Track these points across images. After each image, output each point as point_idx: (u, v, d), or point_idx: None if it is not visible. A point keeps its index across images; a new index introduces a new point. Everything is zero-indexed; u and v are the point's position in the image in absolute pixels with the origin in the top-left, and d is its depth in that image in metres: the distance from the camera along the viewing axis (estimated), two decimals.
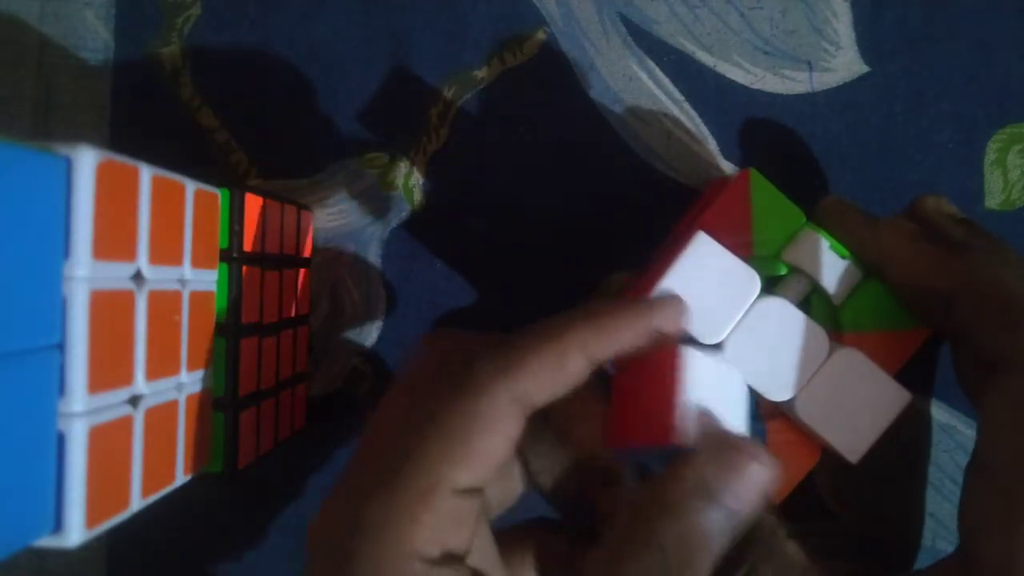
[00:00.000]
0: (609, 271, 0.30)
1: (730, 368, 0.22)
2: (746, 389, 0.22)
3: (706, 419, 0.20)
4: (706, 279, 0.22)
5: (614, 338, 0.20)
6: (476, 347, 0.20)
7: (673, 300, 0.21)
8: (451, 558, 0.18)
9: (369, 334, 0.30)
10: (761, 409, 0.25)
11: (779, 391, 0.23)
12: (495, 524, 0.22)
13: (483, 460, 0.18)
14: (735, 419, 0.21)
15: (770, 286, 0.24)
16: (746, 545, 0.22)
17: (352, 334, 0.30)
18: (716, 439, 0.19)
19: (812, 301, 0.24)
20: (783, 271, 0.24)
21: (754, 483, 0.19)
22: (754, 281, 0.22)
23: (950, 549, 0.29)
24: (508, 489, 0.23)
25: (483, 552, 0.19)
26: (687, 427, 0.19)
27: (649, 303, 0.21)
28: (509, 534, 0.22)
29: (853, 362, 0.23)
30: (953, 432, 0.29)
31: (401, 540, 0.17)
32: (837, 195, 0.26)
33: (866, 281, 0.24)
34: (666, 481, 0.19)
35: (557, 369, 0.19)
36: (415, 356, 0.22)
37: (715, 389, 0.20)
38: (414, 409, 0.19)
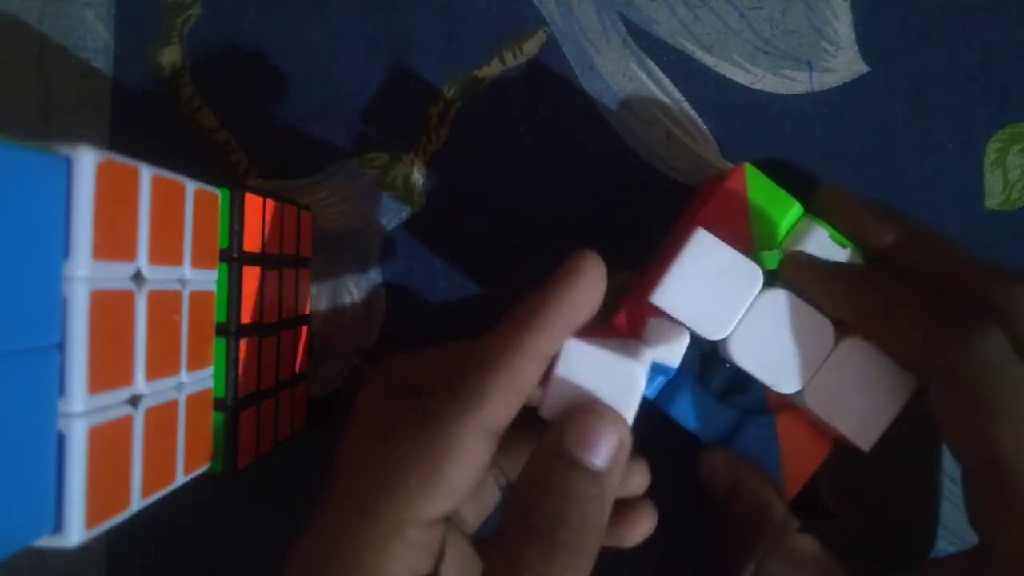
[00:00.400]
0: (609, 271, 0.30)
1: (629, 363, 0.20)
2: (641, 386, 0.20)
3: (573, 398, 0.19)
4: (708, 275, 0.22)
5: (560, 335, 0.20)
6: (433, 374, 0.21)
7: (587, 275, 0.21)
8: None
9: (369, 334, 0.30)
10: (770, 402, 0.25)
11: (787, 383, 0.23)
12: (482, 530, 0.22)
13: (456, 490, 0.19)
14: (619, 407, 0.20)
15: (771, 279, 0.24)
16: (755, 539, 0.23)
17: (352, 334, 0.30)
18: (573, 411, 0.19)
19: None
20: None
21: (606, 438, 0.19)
22: (756, 275, 0.23)
23: (951, 549, 0.29)
24: (484, 502, 0.24)
25: (457, 567, 0.21)
26: (552, 404, 0.20)
27: (568, 282, 0.20)
28: (487, 541, 0.23)
29: (860, 350, 0.23)
30: None
31: (375, 572, 0.18)
32: (834, 183, 0.26)
33: None
34: (531, 458, 0.19)
35: (520, 387, 0.19)
36: (372, 388, 0.23)
37: (598, 377, 0.19)
38: (384, 445, 0.19)
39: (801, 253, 0.24)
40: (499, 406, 0.19)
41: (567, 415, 0.19)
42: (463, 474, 0.18)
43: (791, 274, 0.23)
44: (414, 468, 0.18)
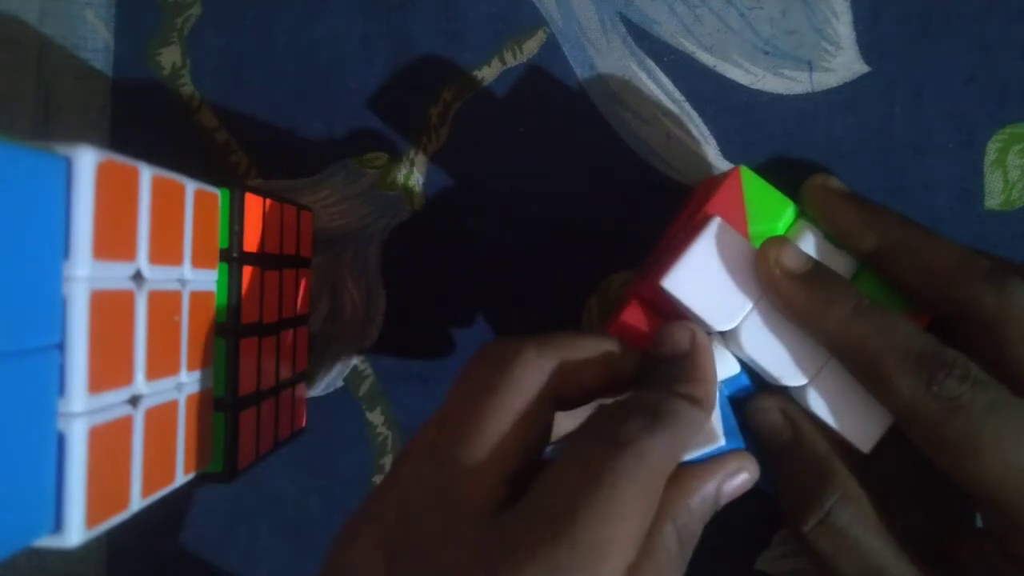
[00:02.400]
0: (609, 271, 0.30)
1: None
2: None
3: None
4: (721, 264, 0.22)
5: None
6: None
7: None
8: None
9: (369, 334, 0.30)
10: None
11: (793, 376, 0.23)
12: None
13: (645, 533, 0.19)
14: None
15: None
16: (820, 488, 0.22)
17: (352, 334, 0.30)
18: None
19: None
20: None
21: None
22: None
23: None
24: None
25: None
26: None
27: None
28: None
29: None
30: None
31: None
32: (822, 176, 0.25)
33: (864, 269, 0.24)
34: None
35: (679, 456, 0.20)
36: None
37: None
38: (593, 485, 0.18)
39: (828, 178, 0.24)
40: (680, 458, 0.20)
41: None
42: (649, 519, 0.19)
43: (819, 194, 0.24)
44: (633, 510, 0.18)
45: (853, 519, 0.22)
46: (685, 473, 0.21)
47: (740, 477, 0.22)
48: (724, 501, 0.22)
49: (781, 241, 0.22)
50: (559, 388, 0.20)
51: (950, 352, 0.21)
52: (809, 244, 0.24)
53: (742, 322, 0.23)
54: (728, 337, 0.23)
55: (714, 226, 0.23)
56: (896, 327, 0.21)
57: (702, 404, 0.20)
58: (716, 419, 0.22)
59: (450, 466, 0.19)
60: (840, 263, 0.24)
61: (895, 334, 0.21)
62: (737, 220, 0.24)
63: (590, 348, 0.21)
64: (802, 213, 0.24)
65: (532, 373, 0.20)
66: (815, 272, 0.22)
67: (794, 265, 0.22)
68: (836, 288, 0.22)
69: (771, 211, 0.24)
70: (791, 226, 0.24)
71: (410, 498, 0.19)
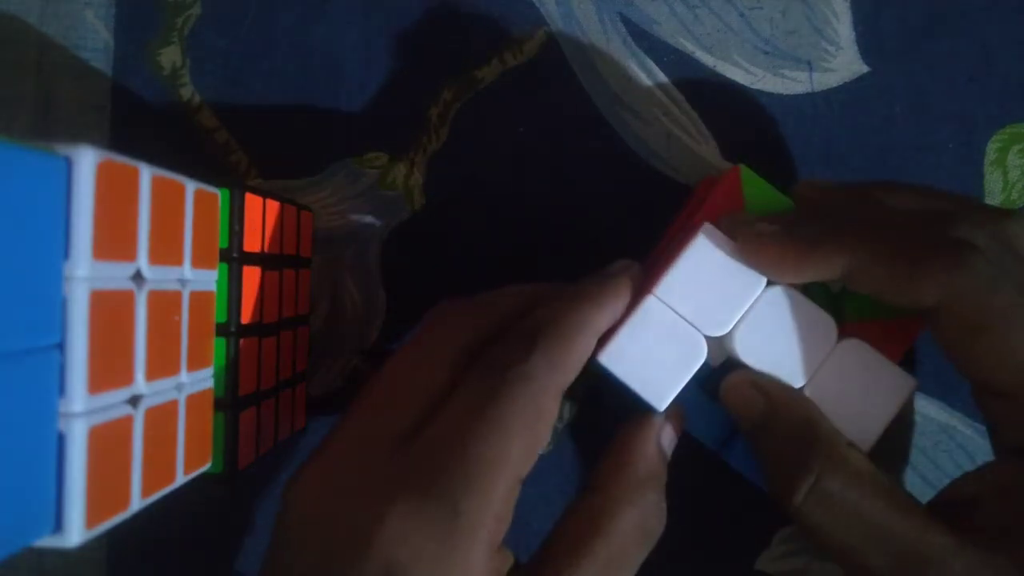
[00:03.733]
0: None
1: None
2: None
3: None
4: (712, 271, 0.22)
5: (614, 314, 0.23)
6: (491, 335, 0.22)
7: (627, 270, 0.24)
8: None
9: (369, 334, 0.30)
10: None
11: (791, 379, 0.23)
12: None
13: (539, 448, 0.20)
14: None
15: (768, 281, 0.24)
16: (806, 457, 0.21)
17: (352, 334, 0.30)
18: None
19: (811, 292, 0.24)
20: None
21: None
22: (760, 275, 0.23)
23: None
24: None
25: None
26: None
27: (618, 276, 0.23)
28: None
29: (857, 352, 0.23)
30: (953, 432, 0.29)
31: (487, 538, 0.19)
32: (808, 181, 0.25)
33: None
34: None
35: (585, 355, 0.22)
36: (428, 333, 0.23)
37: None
38: (478, 413, 0.20)
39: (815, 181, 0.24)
40: (573, 372, 0.21)
41: None
42: (547, 431, 0.20)
43: (804, 190, 0.24)
44: (515, 434, 0.19)
45: (847, 483, 0.20)
46: (628, 453, 0.22)
47: (668, 429, 0.23)
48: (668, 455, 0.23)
49: (745, 217, 0.23)
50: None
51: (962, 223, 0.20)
52: None
53: (736, 327, 0.23)
54: (723, 341, 0.23)
55: (705, 234, 0.23)
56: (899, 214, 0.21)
57: (585, 321, 0.21)
58: (661, 391, 0.23)
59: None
60: None
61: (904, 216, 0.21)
62: None
63: (583, 349, 0.22)
64: None
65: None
66: (794, 224, 0.22)
67: (770, 227, 0.22)
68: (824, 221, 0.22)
69: (771, 210, 0.24)
70: None
71: (343, 435, 0.21)
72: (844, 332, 0.23)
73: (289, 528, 0.20)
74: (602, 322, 0.22)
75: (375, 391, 0.22)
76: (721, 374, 0.25)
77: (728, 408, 0.23)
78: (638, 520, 0.21)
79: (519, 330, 0.22)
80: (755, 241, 0.22)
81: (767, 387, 0.22)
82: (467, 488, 0.19)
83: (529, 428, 0.20)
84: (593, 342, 0.22)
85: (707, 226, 0.23)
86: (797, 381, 0.23)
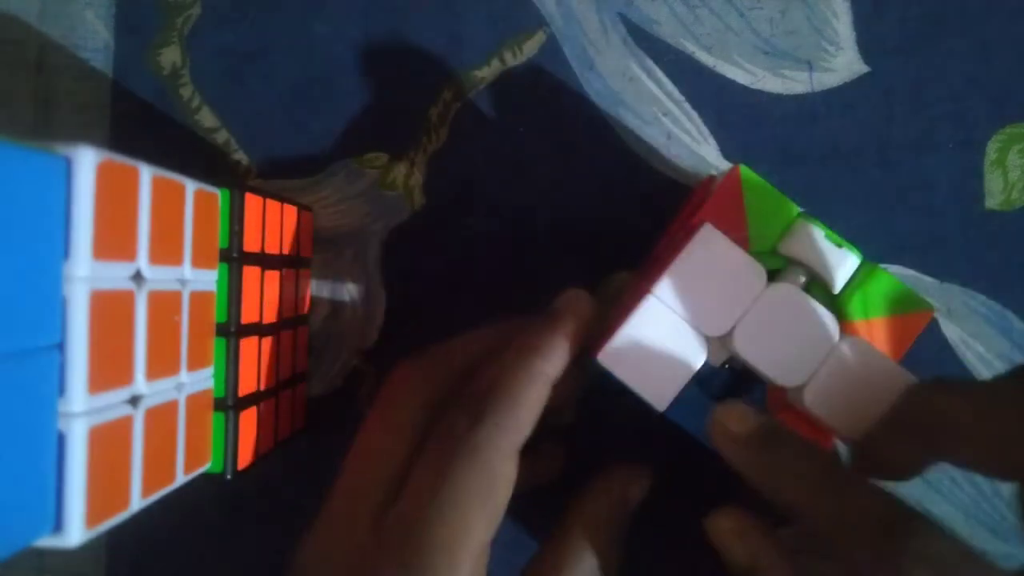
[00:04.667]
0: (609, 271, 0.30)
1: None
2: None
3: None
4: (711, 272, 0.22)
5: (564, 357, 0.23)
6: (453, 391, 0.23)
7: (572, 305, 0.24)
8: None
9: (369, 334, 0.30)
10: (770, 403, 0.25)
11: (791, 377, 0.23)
12: None
13: (503, 508, 0.21)
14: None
15: (769, 279, 0.24)
16: (893, 550, 0.20)
17: (352, 334, 0.30)
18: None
19: (811, 291, 0.24)
20: (781, 264, 0.24)
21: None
22: (760, 275, 0.23)
23: None
24: None
25: None
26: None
27: (563, 317, 0.24)
28: None
29: (858, 350, 0.23)
30: None
31: None
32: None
33: (864, 267, 0.24)
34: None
35: (538, 406, 0.22)
36: (391, 392, 0.24)
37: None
38: (435, 492, 0.21)
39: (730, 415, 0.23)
40: (526, 427, 0.22)
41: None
42: (508, 494, 0.21)
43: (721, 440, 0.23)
44: (476, 501, 0.21)
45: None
46: (600, 503, 0.24)
47: (637, 488, 0.25)
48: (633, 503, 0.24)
49: (729, 407, 0.22)
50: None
51: (913, 521, 0.19)
52: (810, 241, 0.24)
53: (736, 326, 0.23)
54: (724, 341, 0.23)
55: (704, 234, 0.23)
56: (854, 493, 0.20)
57: (532, 375, 0.22)
58: (666, 389, 0.23)
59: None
60: (841, 261, 0.24)
61: (852, 501, 0.20)
62: (737, 219, 0.24)
63: (535, 403, 0.22)
64: (802, 212, 0.24)
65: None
66: (765, 435, 0.22)
67: (742, 429, 0.22)
68: (787, 451, 0.21)
69: (770, 210, 0.24)
70: (790, 225, 0.24)
71: (331, 508, 0.23)
72: (845, 330, 0.23)
73: None
74: (551, 370, 0.23)
75: (351, 466, 0.23)
76: (727, 375, 0.25)
77: (711, 540, 0.24)
78: (594, 565, 0.23)
79: (468, 395, 0.23)
80: (728, 448, 0.22)
81: (753, 545, 0.23)
82: (436, 569, 0.20)
83: (485, 498, 0.21)
84: (546, 391, 0.22)
85: (707, 226, 0.23)
86: (798, 379, 0.23)
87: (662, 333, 0.23)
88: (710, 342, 0.23)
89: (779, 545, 0.22)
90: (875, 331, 0.24)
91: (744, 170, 0.24)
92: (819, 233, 0.24)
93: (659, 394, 0.23)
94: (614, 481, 0.25)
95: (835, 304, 0.24)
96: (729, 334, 0.23)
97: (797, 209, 0.24)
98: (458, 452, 0.21)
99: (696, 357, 0.23)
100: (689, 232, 0.23)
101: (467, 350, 0.25)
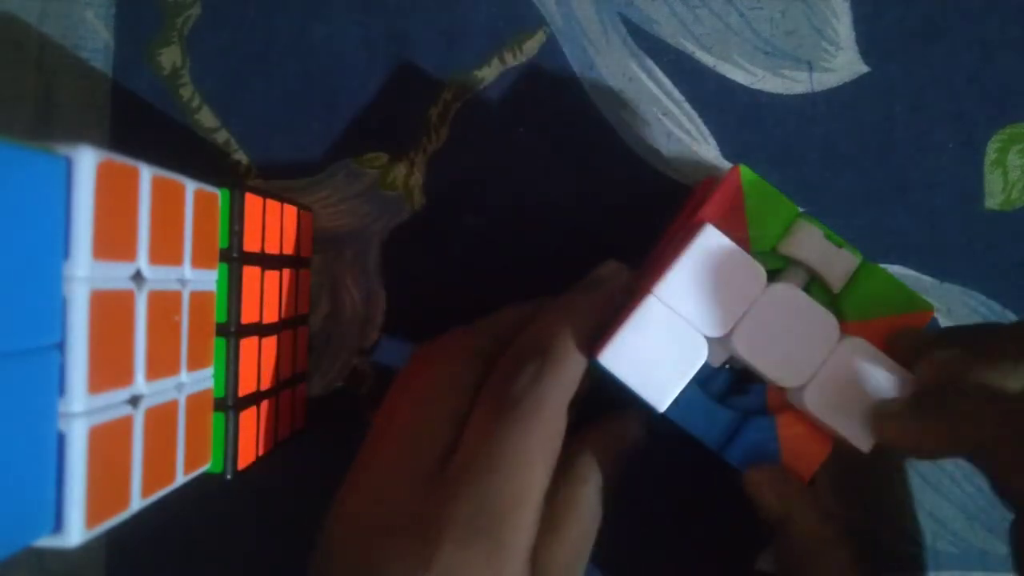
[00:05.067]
0: None
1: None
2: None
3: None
4: (712, 272, 0.22)
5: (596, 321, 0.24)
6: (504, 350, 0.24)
7: (614, 275, 0.26)
8: None
9: (369, 334, 0.30)
10: (771, 403, 0.25)
11: (791, 377, 0.23)
12: None
13: (555, 464, 0.22)
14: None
15: (769, 280, 0.24)
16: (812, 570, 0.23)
17: (352, 334, 0.30)
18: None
19: (811, 291, 0.24)
20: (781, 265, 0.24)
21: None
22: (760, 276, 0.23)
23: (952, 550, 0.29)
24: None
25: None
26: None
27: (608, 285, 0.26)
28: None
29: (859, 351, 0.23)
30: None
31: (525, 555, 0.21)
32: (909, 336, 0.24)
33: (864, 267, 0.24)
34: None
35: (584, 366, 0.23)
36: (440, 351, 0.25)
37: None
38: (503, 446, 0.22)
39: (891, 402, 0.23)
40: (577, 385, 0.23)
41: None
42: (560, 445, 0.22)
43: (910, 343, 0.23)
44: (538, 453, 0.22)
45: None
46: (603, 437, 0.25)
47: (636, 426, 0.25)
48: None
49: (882, 402, 0.23)
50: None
51: None
52: (810, 241, 0.24)
53: (737, 327, 0.23)
54: (724, 341, 0.23)
55: (705, 234, 0.23)
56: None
57: (582, 334, 0.23)
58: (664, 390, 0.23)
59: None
60: (841, 262, 0.24)
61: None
62: (736, 220, 0.24)
63: (582, 363, 0.23)
64: (802, 212, 0.24)
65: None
66: (927, 396, 0.22)
67: (898, 405, 0.22)
68: (960, 400, 0.21)
69: (770, 210, 0.24)
70: (790, 225, 0.24)
71: (384, 465, 0.23)
72: (845, 330, 0.23)
73: (344, 552, 0.22)
74: (589, 331, 0.23)
75: (405, 420, 0.24)
76: (728, 376, 0.25)
77: (749, 500, 0.24)
78: (600, 483, 0.24)
79: (520, 351, 0.24)
80: (898, 426, 0.22)
81: (788, 495, 0.24)
82: (505, 522, 0.21)
83: (548, 452, 0.22)
84: (587, 355, 0.23)
85: (707, 227, 0.23)
86: (798, 380, 0.23)
87: (662, 334, 0.23)
88: (710, 342, 0.23)
89: (811, 493, 0.23)
90: (875, 331, 0.24)
91: (744, 170, 0.24)
92: (819, 233, 0.24)
93: (659, 394, 0.23)
94: (612, 422, 0.26)
95: (835, 304, 0.24)
96: (729, 335, 0.23)
97: (797, 209, 0.24)
98: (521, 410, 0.22)
99: (696, 357, 0.23)
100: (689, 232, 0.23)
101: (509, 320, 0.26)
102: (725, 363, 0.25)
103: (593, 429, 0.25)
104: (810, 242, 0.24)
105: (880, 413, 0.22)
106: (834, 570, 0.23)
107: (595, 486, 0.24)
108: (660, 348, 0.23)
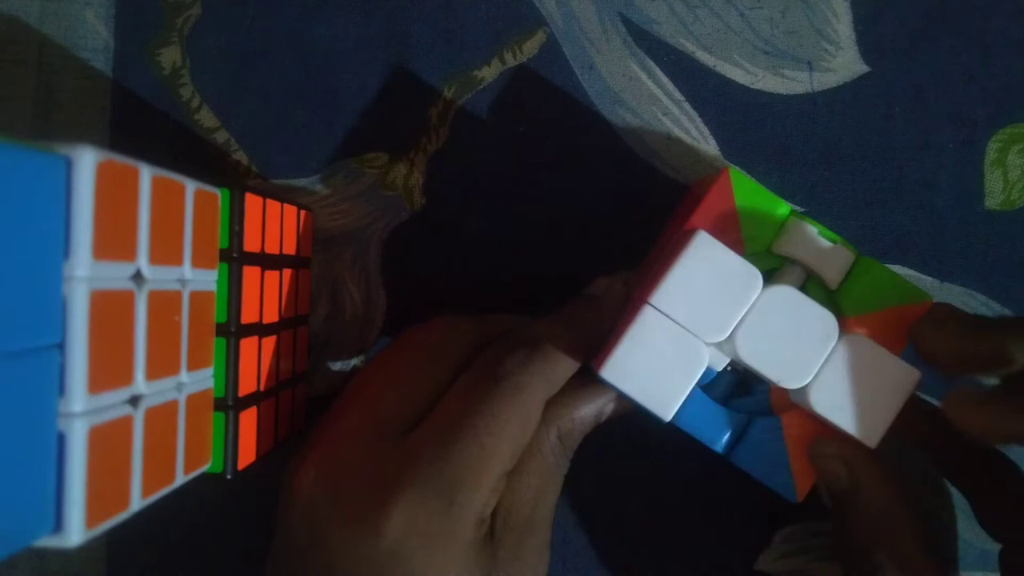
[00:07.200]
0: (608, 271, 0.30)
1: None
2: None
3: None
4: (707, 278, 0.22)
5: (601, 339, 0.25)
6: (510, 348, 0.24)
7: (612, 290, 0.27)
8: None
9: (369, 334, 0.30)
10: (775, 404, 0.25)
11: (794, 378, 0.23)
12: None
13: (520, 453, 0.23)
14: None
15: (765, 280, 0.24)
16: (875, 555, 0.22)
17: (352, 334, 0.30)
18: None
19: (808, 289, 0.24)
20: (777, 265, 0.24)
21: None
22: (756, 279, 0.23)
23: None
24: None
25: None
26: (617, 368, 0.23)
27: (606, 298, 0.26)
28: None
29: (859, 347, 0.23)
30: None
31: (476, 520, 0.22)
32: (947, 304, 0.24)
33: (860, 262, 0.24)
34: None
35: (572, 372, 0.24)
36: (433, 331, 0.26)
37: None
38: (475, 413, 0.22)
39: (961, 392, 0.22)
40: (559, 387, 0.24)
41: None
42: (529, 437, 0.23)
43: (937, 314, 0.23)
44: (507, 431, 0.22)
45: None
46: (576, 394, 0.25)
47: (613, 407, 0.25)
48: (604, 419, 0.25)
49: (954, 394, 0.22)
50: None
51: None
52: (804, 239, 0.24)
53: (737, 330, 0.23)
54: (725, 346, 0.23)
55: (699, 241, 0.22)
56: None
57: (578, 341, 0.24)
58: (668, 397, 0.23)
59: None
60: (837, 257, 0.24)
61: None
62: (729, 222, 0.24)
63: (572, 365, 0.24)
64: (794, 210, 0.24)
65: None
66: (998, 390, 0.21)
67: (975, 398, 0.21)
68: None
69: (763, 211, 0.24)
70: (784, 224, 0.24)
71: (347, 427, 0.24)
72: (844, 326, 0.23)
73: (300, 511, 0.23)
74: (589, 345, 0.24)
75: (374, 390, 0.24)
76: (731, 378, 0.25)
77: (816, 473, 0.24)
78: (558, 450, 0.24)
79: (517, 339, 0.24)
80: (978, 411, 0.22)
81: (856, 466, 0.23)
82: (462, 484, 0.21)
83: (518, 431, 0.22)
84: (581, 360, 0.24)
85: (700, 232, 0.23)
86: (801, 380, 0.23)
87: (662, 343, 0.23)
88: (711, 348, 0.23)
89: (882, 467, 0.23)
90: (875, 325, 0.24)
91: (733, 172, 0.24)
92: (813, 230, 0.24)
93: (663, 404, 0.23)
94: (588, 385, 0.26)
95: (833, 300, 0.24)
96: (729, 339, 0.23)
97: (789, 208, 0.24)
98: (502, 386, 0.22)
99: (698, 364, 0.23)
100: (682, 239, 0.23)
101: (503, 321, 0.27)
102: (727, 367, 0.25)
103: (566, 386, 0.26)
104: (804, 240, 0.24)
105: (971, 401, 0.21)
106: (908, 551, 0.22)
107: (557, 432, 0.24)
108: (660, 358, 0.22)
